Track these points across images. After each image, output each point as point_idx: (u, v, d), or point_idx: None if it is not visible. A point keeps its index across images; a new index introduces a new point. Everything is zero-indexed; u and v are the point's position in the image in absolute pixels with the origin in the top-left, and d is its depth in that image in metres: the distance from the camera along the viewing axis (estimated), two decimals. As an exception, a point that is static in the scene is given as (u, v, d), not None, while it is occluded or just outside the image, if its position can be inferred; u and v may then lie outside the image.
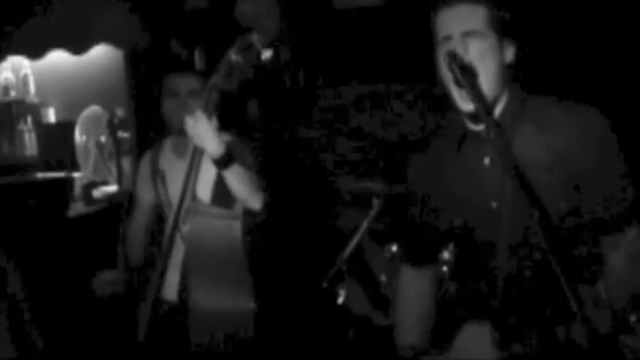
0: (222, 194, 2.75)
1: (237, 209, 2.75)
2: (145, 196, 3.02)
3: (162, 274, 2.64)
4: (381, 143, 4.57)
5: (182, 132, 2.61)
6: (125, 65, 4.94)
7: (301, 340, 2.85)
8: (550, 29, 3.79)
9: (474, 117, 1.92)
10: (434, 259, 2.31)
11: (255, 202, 2.69)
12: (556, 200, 1.86)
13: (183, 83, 2.88)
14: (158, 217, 3.00)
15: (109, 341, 3.02)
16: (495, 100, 1.92)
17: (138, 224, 3.02)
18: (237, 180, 2.62)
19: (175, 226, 2.60)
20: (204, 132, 2.49)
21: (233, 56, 2.52)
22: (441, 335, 2.17)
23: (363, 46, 4.43)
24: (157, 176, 3.01)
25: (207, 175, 2.78)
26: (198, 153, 2.57)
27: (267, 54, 2.52)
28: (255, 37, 2.50)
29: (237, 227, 2.67)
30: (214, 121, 2.57)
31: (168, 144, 3.00)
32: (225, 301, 2.64)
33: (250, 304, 2.64)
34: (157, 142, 3.11)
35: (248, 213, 2.71)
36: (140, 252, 2.99)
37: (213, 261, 2.65)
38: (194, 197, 2.74)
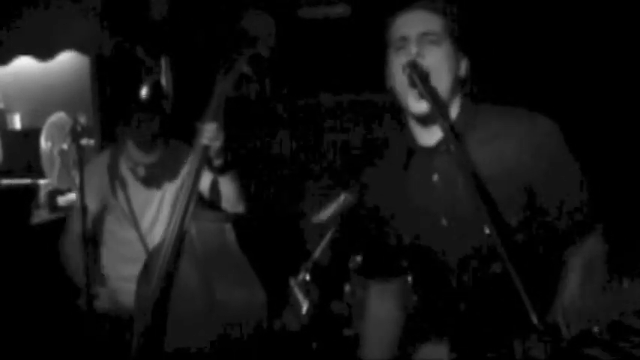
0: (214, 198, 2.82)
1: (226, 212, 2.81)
2: (94, 203, 3.00)
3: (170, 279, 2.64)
4: (346, 153, 4.60)
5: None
6: (91, 72, 4.92)
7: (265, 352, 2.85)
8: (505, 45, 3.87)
9: (425, 120, 1.89)
10: (399, 274, 2.20)
11: (241, 206, 2.76)
12: (508, 212, 1.83)
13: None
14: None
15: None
16: (447, 108, 1.90)
17: (76, 236, 2.93)
18: (231, 184, 2.70)
19: (182, 230, 2.61)
20: (220, 141, 2.57)
21: (244, 65, 2.55)
22: (404, 351, 2.16)
23: (328, 57, 4.45)
24: (117, 182, 3.01)
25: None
26: (201, 161, 2.60)
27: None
28: (262, 49, 2.55)
29: (230, 229, 2.72)
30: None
31: (126, 152, 3.01)
32: (243, 294, 2.68)
33: (264, 296, 2.70)
34: (112, 148, 3.13)
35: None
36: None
37: (220, 260, 2.70)
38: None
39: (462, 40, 1.92)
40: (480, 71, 1.99)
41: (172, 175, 3.04)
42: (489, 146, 1.88)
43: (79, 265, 2.78)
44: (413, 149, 2.00)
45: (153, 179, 3.02)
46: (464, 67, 1.94)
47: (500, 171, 1.85)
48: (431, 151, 1.94)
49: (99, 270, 3.13)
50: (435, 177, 1.95)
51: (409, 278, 2.42)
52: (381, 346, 2.20)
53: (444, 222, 1.93)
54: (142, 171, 2.93)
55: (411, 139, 2.00)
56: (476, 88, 1.99)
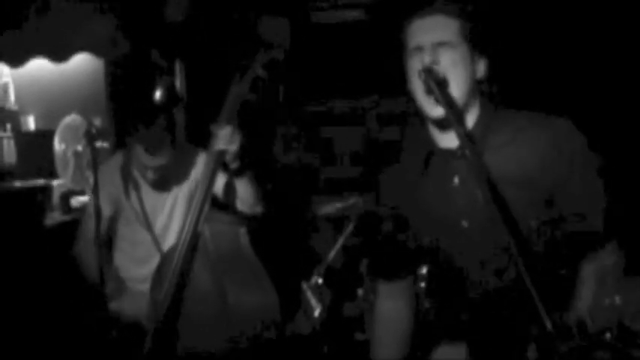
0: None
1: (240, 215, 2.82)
2: (107, 205, 2.99)
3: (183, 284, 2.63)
4: (357, 158, 4.60)
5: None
6: (105, 74, 4.94)
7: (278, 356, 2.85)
8: (523, 45, 3.84)
9: (442, 124, 1.89)
10: (408, 274, 2.24)
11: (259, 207, 2.78)
12: (526, 216, 1.83)
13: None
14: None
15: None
16: (465, 112, 1.90)
17: (91, 241, 2.83)
18: (248, 186, 2.72)
19: (196, 232, 2.61)
20: (235, 145, 2.57)
21: (259, 69, 2.56)
22: (418, 354, 2.15)
23: (343, 61, 4.45)
24: (130, 184, 3.02)
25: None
26: (217, 165, 2.60)
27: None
28: (278, 53, 2.56)
29: (244, 233, 2.72)
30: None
31: (135, 156, 2.98)
32: (255, 298, 2.68)
33: (276, 297, 2.69)
34: (125, 150, 3.13)
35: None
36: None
37: (234, 263, 2.70)
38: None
39: (480, 40, 1.91)
40: (499, 72, 1.98)
41: (183, 177, 3.04)
42: (509, 150, 1.87)
43: (93, 268, 2.78)
44: (433, 151, 1.99)
45: (163, 182, 3.02)
46: (482, 68, 1.93)
47: (519, 174, 1.85)
48: (451, 154, 1.93)
49: (113, 272, 3.13)
50: (456, 179, 1.94)
51: (422, 284, 2.44)
52: (392, 347, 2.21)
53: (465, 224, 1.93)
54: (151, 174, 2.94)
55: (430, 141, 1.99)
56: (496, 89, 1.98)
